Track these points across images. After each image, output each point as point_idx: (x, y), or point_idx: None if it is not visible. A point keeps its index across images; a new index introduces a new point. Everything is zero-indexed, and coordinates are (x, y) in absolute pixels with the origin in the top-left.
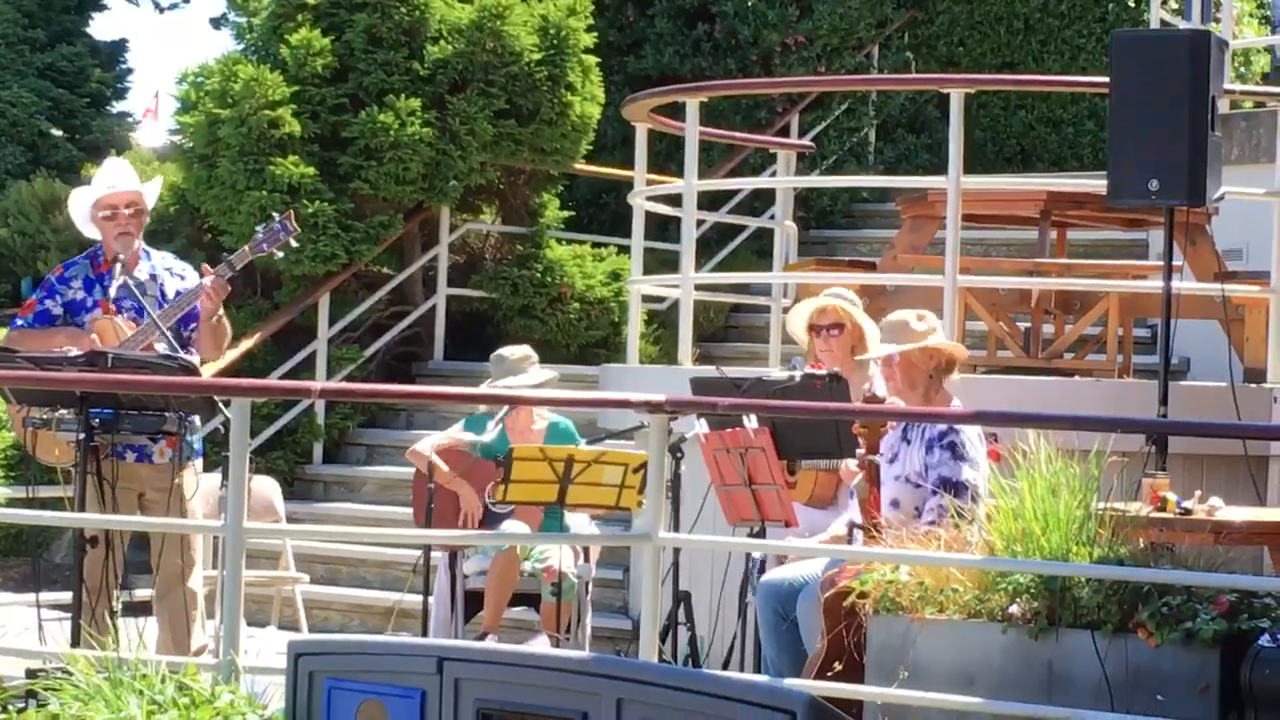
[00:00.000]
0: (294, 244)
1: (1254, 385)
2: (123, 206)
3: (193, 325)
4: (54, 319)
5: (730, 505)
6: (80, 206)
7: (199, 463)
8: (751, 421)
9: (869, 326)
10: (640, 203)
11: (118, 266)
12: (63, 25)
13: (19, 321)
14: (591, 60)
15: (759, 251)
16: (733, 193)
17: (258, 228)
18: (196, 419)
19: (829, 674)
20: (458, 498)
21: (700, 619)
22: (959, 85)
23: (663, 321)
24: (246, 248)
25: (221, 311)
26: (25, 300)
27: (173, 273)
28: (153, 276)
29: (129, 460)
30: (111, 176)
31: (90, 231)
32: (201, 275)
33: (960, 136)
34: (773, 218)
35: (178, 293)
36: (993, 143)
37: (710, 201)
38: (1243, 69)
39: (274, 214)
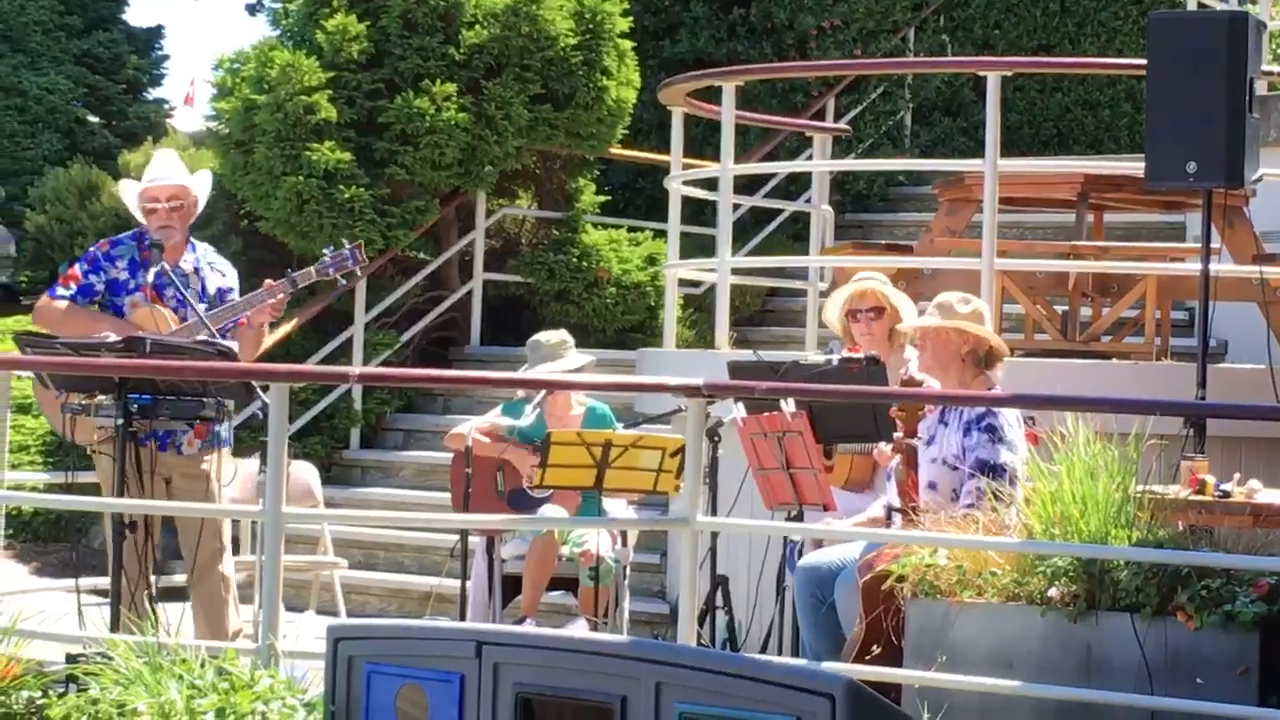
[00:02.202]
0: (359, 273)
1: None
2: (164, 200)
3: (232, 323)
4: (95, 294)
5: (768, 489)
6: (130, 197)
7: (226, 450)
8: (789, 405)
9: (907, 307)
10: (676, 187)
11: (155, 253)
12: (99, 12)
13: (60, 291)
14: (627, 45)
15: (795, 235)
16: (769, 176)
17: (325, 250)
18: (230, 405)
19: (867, 657)
20: (495, 482)
21: (738, 603)
22: (995, 68)
23: (699, 306)
24: (312, 269)
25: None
26: (66, 270)
27: (214, 267)
28: (195, 269)
29: (150, 447)
30: (157, 169)
31: (143, 219)
32: (264, 287)
33: (997, 119)
34: (809, 201)
35: (219, 289)
36: (1029, 125)
37: (746, 185)
38: None
39: (345, 241)
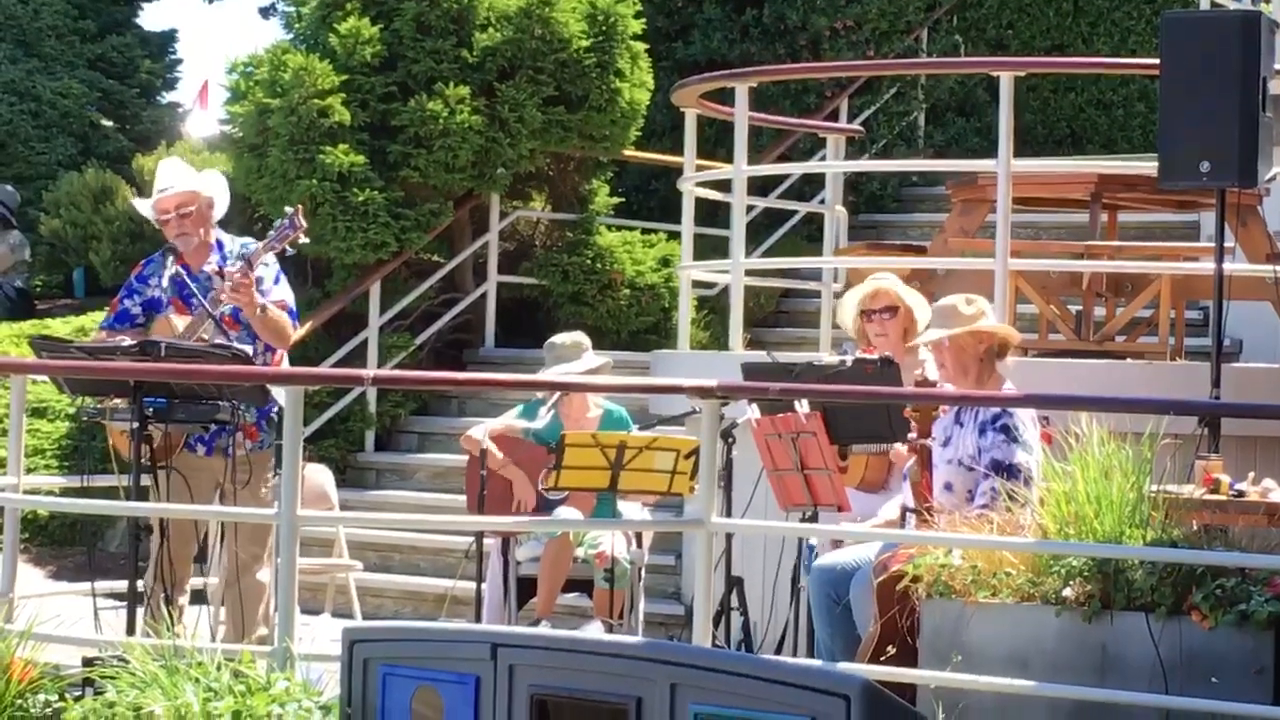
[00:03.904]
0: (304, 239)
1: None
2: (173, 209)
3: (236, 317)
4: (134, 318)
5: (782, 490)
6: (148, 214)
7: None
8: (803, 406)
9: (921, 309)
10: (690, 188)
11: (169, 259)
12: (112, 16)
13: (103, 324)
14: (640, 46)
15: (809, 236)
16: (782, 178)
17: (275, 223)
18: (275, 410)
19: (882, 658)
20: (511, 484)
21: (753, 604)
22: (1008, 68)
23: (713, 307)
24: (260, 245)
25: (266, 302)
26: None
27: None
28: (221, 269)
29: (199, 453)
30: (162, 180)
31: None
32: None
33: (1010, 119)
34: (822, 202)
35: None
36: (1043, 125)
37: (760, 187)
38: None
39: (287, 208)
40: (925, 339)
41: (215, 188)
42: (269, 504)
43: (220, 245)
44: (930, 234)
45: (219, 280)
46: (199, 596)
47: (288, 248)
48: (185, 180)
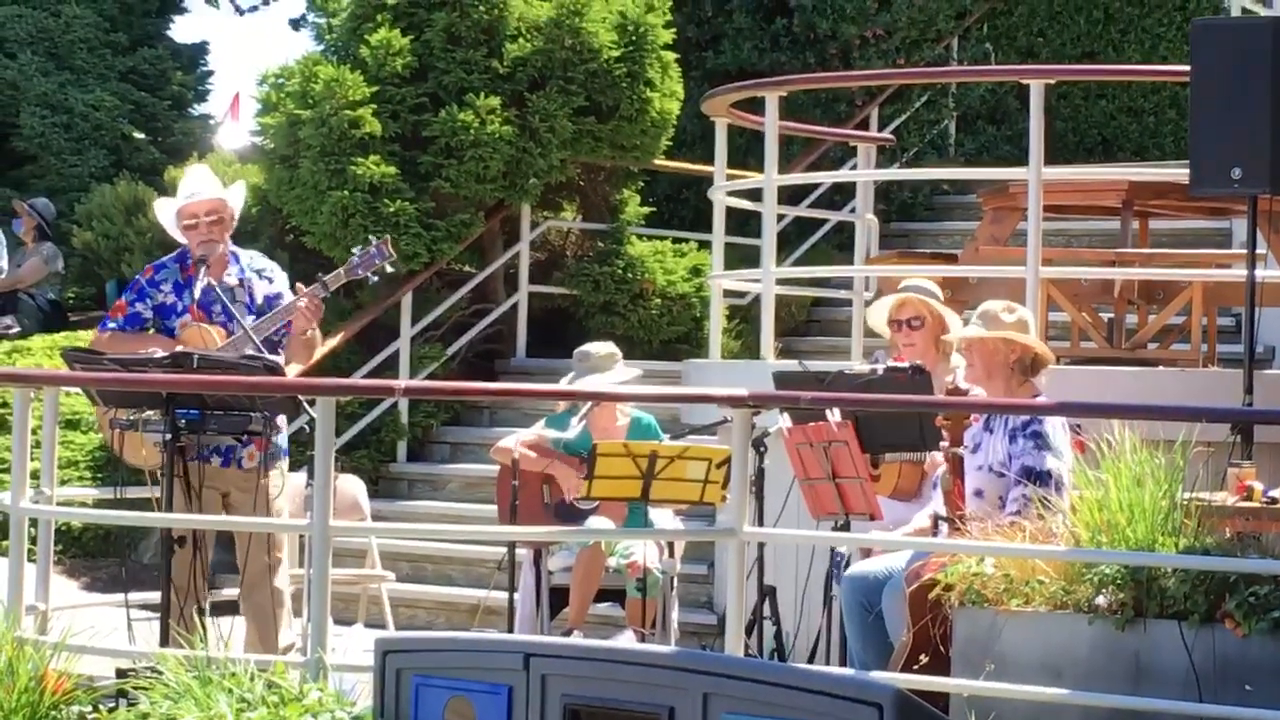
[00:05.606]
0: (389, 269)
1: None
2: (203, 215)
3: (283, 333)
4: (144, 322)
5: (814, 499)
6: (166, 216)
7: (284, 463)
8: (835, 415)
9: (950, 317)
10: (720, 198)
11: (201, 270)
12: (144, 29)
13: (110, 324)
14: (670, 56)
15: (840, 245)
16: (813, 186)
17: (354, 250)
18: (281, 419)
19: (915, 667)
20: (542, 494)
21: (785, 613)
22: (1039, 76)
23: (744, 316)
24: (342, 270)
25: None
26: (115, 301)
27: (261, 275)
28: (241, 281)
29: (214, 464)
30: (192, 185)
31: (181, 238)
32: (295, 292)
33: (1041, 127)
34: (853, 211)
35: (266, 297)
36: (1074, 133)
37: (790, 196)
38: None
39: (371, 238)
40: (958, 335)
41: (238, 201)
42: (280, 514)
43: (236, 257)
44: (961, 242)
45: (240, 291)
46: (222, 608)
47: (371, 276)
48: (215, 187)
